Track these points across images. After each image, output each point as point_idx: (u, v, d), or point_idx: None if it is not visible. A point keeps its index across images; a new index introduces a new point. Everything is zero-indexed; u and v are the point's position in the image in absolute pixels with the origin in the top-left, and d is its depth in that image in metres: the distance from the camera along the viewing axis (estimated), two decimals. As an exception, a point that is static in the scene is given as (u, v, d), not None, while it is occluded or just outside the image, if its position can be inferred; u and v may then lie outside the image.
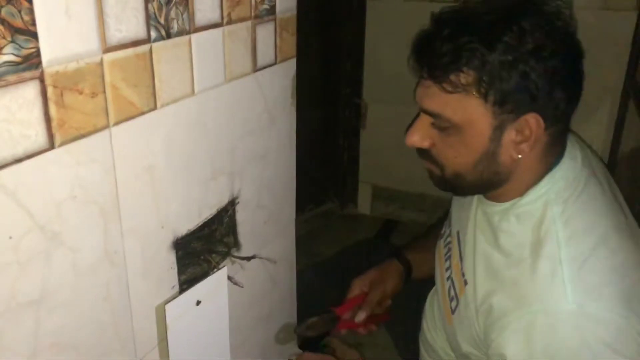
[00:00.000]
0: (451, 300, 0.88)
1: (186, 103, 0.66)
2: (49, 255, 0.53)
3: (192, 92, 0.67)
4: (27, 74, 0.46)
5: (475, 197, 0.86)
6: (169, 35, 0.61)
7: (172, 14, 0.61)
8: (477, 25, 0.70)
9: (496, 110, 0.71)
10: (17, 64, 0.45)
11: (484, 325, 0.77)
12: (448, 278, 0.91)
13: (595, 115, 1.73)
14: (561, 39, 0.71)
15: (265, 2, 0.77)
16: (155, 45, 0.59)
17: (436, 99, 0.73)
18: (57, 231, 0.53)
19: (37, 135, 0.48)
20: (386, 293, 1.03)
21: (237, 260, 0.84)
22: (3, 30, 0.43)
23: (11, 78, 0.45)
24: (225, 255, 0.81)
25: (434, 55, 0.72)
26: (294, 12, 0.84)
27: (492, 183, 0.78)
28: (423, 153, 0.81)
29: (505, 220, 0.78)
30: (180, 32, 0.62)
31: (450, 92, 0.71)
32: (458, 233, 0.91)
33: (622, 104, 1.60)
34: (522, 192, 0.77)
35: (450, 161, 0.78)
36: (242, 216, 0.83)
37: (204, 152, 0.72)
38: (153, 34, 0.59)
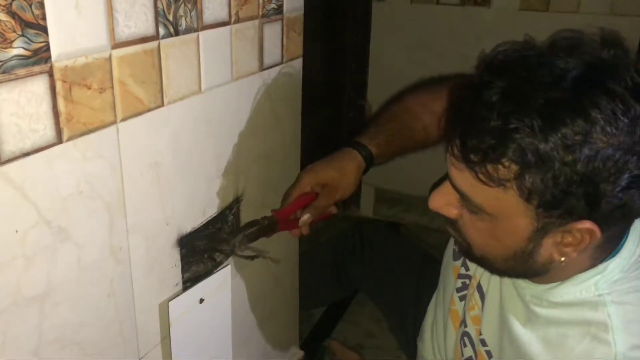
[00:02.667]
0: (464, 356, 0.81)
1: (193, 100, 0.66)
2: (55, 250, 0.53)
3: (199, 90, 0.67)
4: (37, 68, 0.46)
5: None
6: (177, 33, 0.61)
7: (181, 11, 0.61)
8: (533, 102, 0.53)
9: (540, 213, 0.57)
10: (27, 57, 0.45)
11: None
12: (461, 324, 0.82)
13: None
14: None
15: (273, 1, 0.77)
16: (163, 42, 0.59)
17: (467, 181, 0.60)
18: (63, 226, 0.53)
19: (45, 130, 0.48)
20: (340, 198, 0.86)
21: (240, 259, 0.84)
22: (14, 23, 0.43)
23: (20, 72, 0.45)
24: (229, 253, 0.81)
25: (472, 130, 0.57)
26: (301, 11, 0.84)
27: (526, 276, 0.68)
28: (449, 221, 0.69)
29: (541, 305, 0.68)
30: (189, 30, 0.63)
31: (485, 184, 0.58)
32: (479, 283, 0.79)
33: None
34: (563, 279, 0.66)
35: (478, 245, 0.66)
36: (246, 215, 0.83)
37: (210, 150, 0.72)
38: (161, 30, 0.59)
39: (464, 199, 0.62)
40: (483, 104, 0.56)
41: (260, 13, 0.75)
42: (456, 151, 0.59)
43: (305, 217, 0.83)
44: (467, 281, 0.84)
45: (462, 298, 0.85)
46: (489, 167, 0.56)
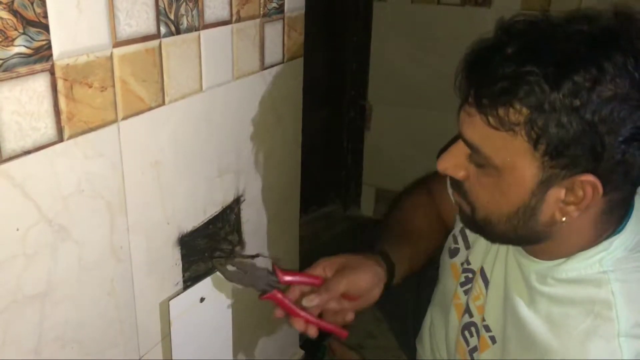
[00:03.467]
0: (469, 346, 0.80)
1: (194, 99, 0.66)
2: (55, 248, 0.53)
3: (200, 89, 0.67)
4: (38, 66, 0.46)
5: None
6: (178, 32, 0.61)
7: (182, 10, 0.61)
8: (548, 53, 0.56)
9: (546, 162, 0.59)
10: (28, 56, 0.45)
11: None
12: (464, 314, 0.82)
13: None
14: None
15: (274, 0, 0.77)
16: (164, 40, 0.59)
17: (478, 130, 0.61)
18: (64, 224, 0.53)
19: (46, 128, 0.48)
20: (356, 287, 0.73)
21: (241, 258, 0.84)
22: (15, 22, 0.43)
23: (22, 70, 0.45)
24: (230, 253, 0.81)
25: (487, 77, 0.59)
26: (303, 11, 0.84)
27: (527, 239, 0.68)
28: (455, 184, 0.70)
29: (545, 283, 0.68)
30: (190, 29, 0.63)
31: (495, 128, 0.59)
32: (482, 270, 0.80)
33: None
34: (567, 254, 0.66)
35: (482, 204, 0.67)
36: (246, 214, 0.83)
37: (211, 149, 0.72)
38: (163, 29, 0.59)
39: (473, 151, 0.64)
40: (500, 56, 0.58)
41: (262, 12, 0.75)
42: (470, 99, 0.61)
43: (313, 297, 0.71)
44: (471, 275, 0.84)
45: (466, 292, 0.84)
46: (500, 110, 0.58)
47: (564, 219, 0.62)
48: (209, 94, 0.68)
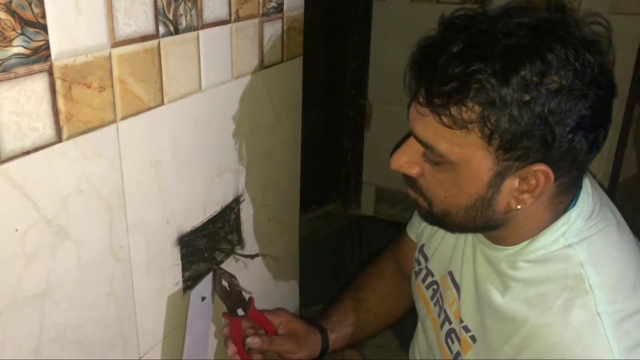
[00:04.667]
0: (452, 352, 0.81)
1: (193, 99, 0.66)
2: (55, 248, 0.53)
3: (199, 89, 0.67)
4: (36, 67, 0.46)
5: (471, 236, 0.77)
6: (177, 31, 0.61)
7: (181, 9, 0.61)
8: (493, 49, 0.58)
9: (500, 155, 0.61)
10: (27, 56, 0.45)
11: None
12: (444, 323, 0.82)
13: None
14: (593, 78, 0.58)
15: (273, 0, 0.77)
16: (163, 40, 0.59)
17: (431, 128, 0.63)
18: (63, 225, 0.53)
19: (45, 128, 0.48)
20: (294, 355, 0.85)
21: (241, 258, 0.84)
22: (13, 22, 0.43)
23: (20, 70, 0.45)
24: (230, 253, 0.81)
25: (436, 77, 0.60)
26: (302, 10, 0.84)
27: (485, 228, 0.70)
28: (409, 180, 0.71)
29: (515, 267, 0.69)
30: (189, 28, 0.62)
31: (449, 127, 0.61)
32: (451, 274, 0.81)
33: (628, 109, 1.59)
34: (530, 236, 0.69)
35: (440, 199, 0.68)
36: (246, 214, 0.83)
37: (210, 149, 0.72)
38: (161, 29, 0.59)
39: (428, 149, 0.65)
40: (447, 54, 0.59)
41: (261, 12, 0.75)
42: (422, 99, 0.63)
43: (256, 340, 0.81)
44: (435, 286, 0.85)
45: (436, 303, 0.85)
46: (453, 109, 0.59)
47: (519, 206, 0.65)
48: (208, 93, 0.68)
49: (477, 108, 0.58)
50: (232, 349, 0.80)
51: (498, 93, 0.57)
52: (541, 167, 0.61)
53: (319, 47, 1.89)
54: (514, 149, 0.60)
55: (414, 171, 0.69)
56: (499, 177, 0.63)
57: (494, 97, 0.57)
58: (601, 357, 0.61)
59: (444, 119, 0.60)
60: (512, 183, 0.63)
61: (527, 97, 0.57)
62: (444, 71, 0.59)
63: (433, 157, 0.65)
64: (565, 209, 0.68)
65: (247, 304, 0.80)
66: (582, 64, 0.58)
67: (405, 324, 1.12)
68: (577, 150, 0.60)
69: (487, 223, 0.68)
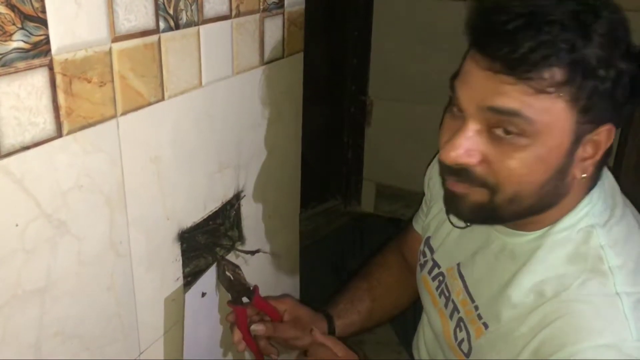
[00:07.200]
0: (460, 342, 0.80)
1: (193, 95, 0.66)
2: (55, 243, 0.53)
3: (200, 84, 0.67)
4: (36, 61, 0.46)
5: (483, 227, 0.75)
6: (177, 26, 0.61)
7: (181, 4, 0.60)
8: (561, 10, 0.58)
9: (579, 119, 0.59)
10: (27, 50, 0.45)
11: None
12: (453, 313, 0.81)
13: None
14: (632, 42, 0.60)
15: (274, -5, 0.76)
16: (163, 35, 0.59)
17: (516, 95, 0.59)
18: (63, 220, 0.53)
19: (45, 123, 0.48)
20: (299, 341, 0.85)
21: (242, 254, 0.84)
22: (13, 16, 0.43)
23: (20, 65, 0.45)
24: (230, 249, 0.81)
25: (516, 46, 0.57)
26: (303, 6, 0.84)
27: (544, 207, 0.67)
28: (462, 174, 0.64)
29: (536, 251, 0.68)
30: (189, 24, 0.62)
31: (539, 92, 0.58)
32: (459, 265, 0.80)
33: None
34: (556, 220, 0.67)
35: (515, 179, 0.62)
36: (247, 210, 0.83)
37: (211, 144, 0.72)
38: (162, 24, 0.59)
39: (516, 116, 0.60)
40: (513, 18, 0.58)
41: (261, 7, 0.74)
42: (498, 67, 0.59)
43: (260, 326, 0.81)
44: (442, 277, 0.85)
45: (441, 294, 0.85)
46: (546, 73, 0.58)
47: (583, 175, 0.64)
48: (208, 89, 0.68)
49: (564, 70, 0.57)
50: (237, 335, 0.80)
51: (584, 51, 0.57)
52: (607, 126, 0.61)
53: (319, 43, 1.89)
54: (593, 108, 0.59)
55: (474, 159, 0.63)
56: (575, 143, 0.61)
57: (579, 57, 0.57)
58: (620, 335, 0.61)
59: (535, 84, 0.58)
60: (583, 149, 0.62)
61: (608, 53, 0.57)
62: (523, 39, 0.57)
63: (515, 129, 0.60)
64: (591, 187, 0.67)
65: (252, 293, 0.80)
66: (627, 28, 0.61)
67: (405, 320, 1.13)
68: (629, 109, 0.61)
69: (551, 200, 0.66)
